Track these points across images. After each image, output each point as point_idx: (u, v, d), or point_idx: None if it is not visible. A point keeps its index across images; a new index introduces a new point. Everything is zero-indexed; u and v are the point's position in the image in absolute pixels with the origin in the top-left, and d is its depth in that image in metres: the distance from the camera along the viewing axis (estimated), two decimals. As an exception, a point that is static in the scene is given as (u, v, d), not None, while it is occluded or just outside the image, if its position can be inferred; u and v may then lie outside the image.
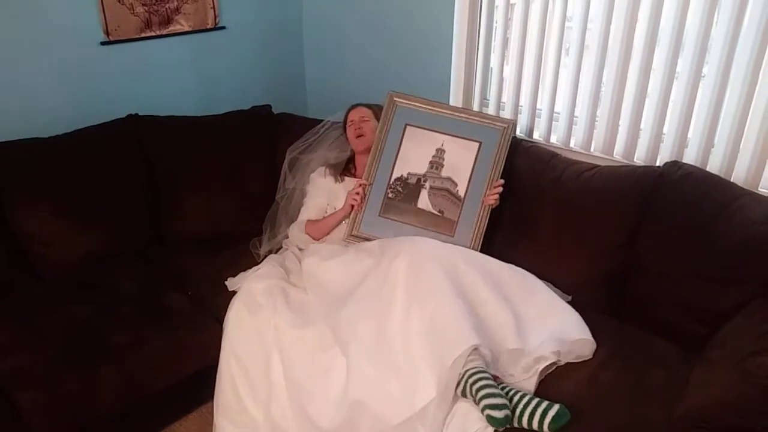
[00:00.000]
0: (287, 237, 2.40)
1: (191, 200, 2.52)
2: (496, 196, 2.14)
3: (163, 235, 2.52)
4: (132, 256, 2.38)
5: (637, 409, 1.62)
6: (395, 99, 2.28)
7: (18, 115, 2.38)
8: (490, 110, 2.61)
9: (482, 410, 1.54)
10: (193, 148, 2.56)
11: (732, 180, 2.01)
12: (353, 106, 2.43)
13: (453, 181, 2.20)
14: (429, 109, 2.26)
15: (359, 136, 2.33)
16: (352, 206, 2.22)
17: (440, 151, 2.23)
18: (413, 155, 2.24)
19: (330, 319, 1.90)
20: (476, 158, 2.19)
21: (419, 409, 1.62)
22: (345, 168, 2.43)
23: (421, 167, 2.23)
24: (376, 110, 2.37)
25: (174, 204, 2.51)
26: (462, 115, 2.25)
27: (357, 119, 2.36)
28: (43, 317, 1.98)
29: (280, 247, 2.41)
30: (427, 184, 2.22)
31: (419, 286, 1.80)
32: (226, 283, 2.20)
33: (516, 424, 1.57)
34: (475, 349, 1.65)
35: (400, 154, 2.25)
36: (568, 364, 1.77)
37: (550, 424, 1.53)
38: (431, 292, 1.78)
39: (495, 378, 1.65)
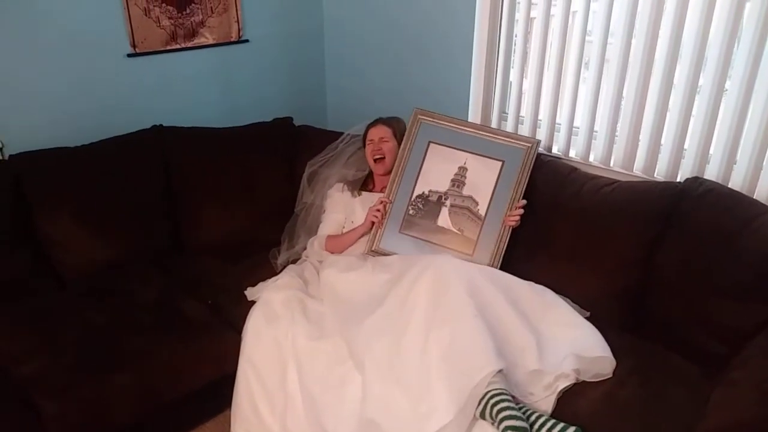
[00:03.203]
0: (305, 248, 2.41)
1: (211, 210, 2.55)
2: (518, 218, 2.12)
3: (182, 243, 2.56)
4: (152, 264, 2.41)
5: (654, 428, 1.60)
6: (420, 116, 2.29)
7: (45, 125, 2.44)
8: (509, 124, 2.61)
9: (503, 431, 1.53)
10: (215, 159, 2.60)
11: (754, 197, 1.99)
12: (373, 123, 2.42)
13: (474, 200, 2.20)
14: (453, 126, 2.27)
15: (378, 159, 2.33)
16: (373, 222, 2.23)
17: (462, 170, 2.23)
18: (435, 173, 2.24)
19: (345, 333, 1.91)
20: (498, 177, 2.19)
21: None
22: (363, 183, 2.44)
23: (442, 185, 2.23)
24: (396, 126, 2.38)
25: (194, 213, 2.55)
26: (486, 133, 2.25)
27: (376, 139, 2.35)
28: (62, 323, 2.02)
29: (298, 258, 2.43)
30: (447, 202, 2.22)
31: (441, 306, 1.79)
32: (246, 292, 2.22)
33: None
34: (499, 371, 1.64)
35: (422, 171, 2.26)
36: (585, 381, 1.75)
37: None
38: (452, 314, 1.77)
39: (513, 398, 1.64)
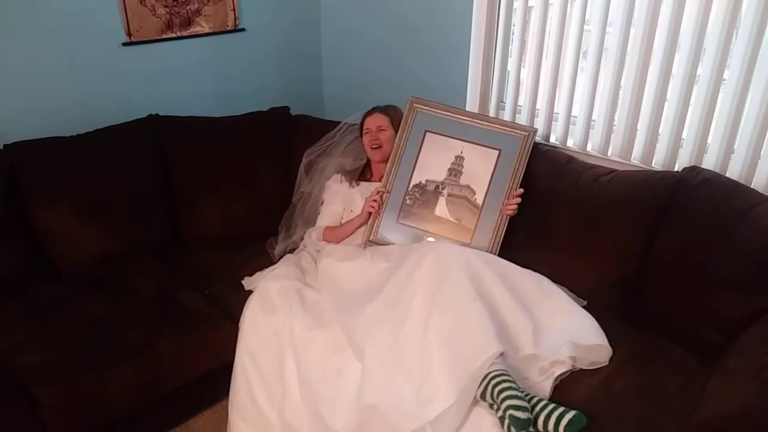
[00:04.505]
0: (303, 238, 2.41)
1: (209, 200, 2.54)
2: (515, 207, 2.13)
3: (180, 234, 2.55)
4: (149, 255, 2.41)
5: (651, 416, 1.61)
6: (415, 105, 2.28)
7: (40, 115, 2.42)
8: (507, 113, 2.60)
9: (505, 410, 1.54)
10: (212, 149, 2.58)
11: (752, 186, 1.99)
12: (370, 112, 2.41)
13: (471, 189, 2.20)
14: (449, 115, 2.26)
15: (375, 147, 2.33)
16: (370, 213, 2.23)
17: (459, 159, 2.22)
18: (432, 162, 2.24)
19: (343, 322, 1.91)
20: (495, 166, 2.18)
21: (433, 417, 1.61)
22: (361, 173, 2.43)
23: (439, 174, 2.23)
24: (393, 114, 2.37)
25: (191, 204, 2.54)
26: (482, 122, 2.24)
27: (374, 128, 2.35)
28: (60, 315, 2.01)
29: (295, 247, 2.43)
30: (445, 192, 2.21)
31: (441, 292, 1.79)
32: (243, 282, 2.23)
33: (531, 428, 1.56)
34: (500, 354, 1.65)
35: (419, 160, 2.25)
36: (582, 369, 1.76)
37: (566, 427, 1.53)
38: (453, 299, 1.77)
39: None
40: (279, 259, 2.32)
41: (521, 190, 2.15)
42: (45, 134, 2.30)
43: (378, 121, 2.35)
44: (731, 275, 1.81)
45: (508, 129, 2.21)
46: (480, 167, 2.20)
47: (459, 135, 2.23)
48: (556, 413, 1.56)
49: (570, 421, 1.54)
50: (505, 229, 2.15)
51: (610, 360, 1.78)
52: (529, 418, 1.53)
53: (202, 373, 2.05)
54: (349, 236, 2.30)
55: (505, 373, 1.61)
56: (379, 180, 2.34)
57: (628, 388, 1.70)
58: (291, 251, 2.41)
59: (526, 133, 2.19)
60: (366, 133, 2.37)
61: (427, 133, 2.26)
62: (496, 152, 2.19)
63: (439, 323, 1.74)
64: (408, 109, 2.28)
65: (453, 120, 2.25)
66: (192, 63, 2.85)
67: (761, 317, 1.73)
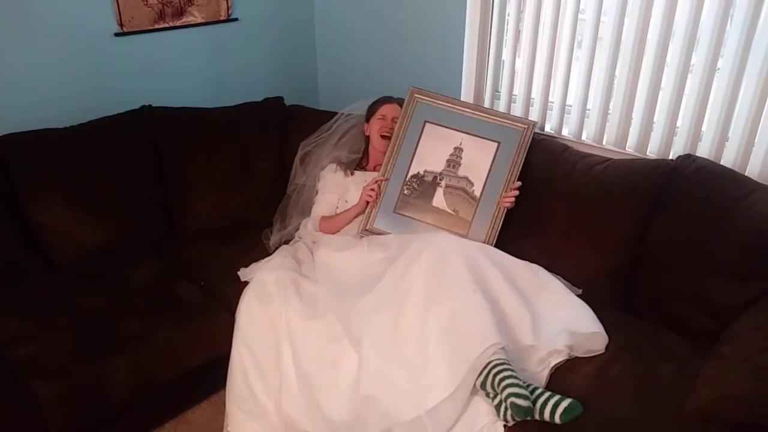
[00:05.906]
0: (298, 229, 2.41)
1: (203, 191, 2.53)
2: (513, 199, 2.13)
3: (175, 225, 2.54)
4: (144, 247, 2.39)
5: (645, 403, 1.62)
6: (416, 95, 2.27)
7: (32, 107, 2.40)
8: (502, 102, 2.60)
9: (506, 398, 1.55)
10: (206, 140, 2.57)
11: (746, 173, 2.00)
12: (389, 100, 2.38)
13: (469, 181, 2.20)
14: (449, 106, 2.25)
15: (386, 135, 2.31)
16: (367, 202, 2.22)
17: (458, 150, 2.22)
18: (431, 153, 2.23)
19: (340, 312, 1.91)
20: (494, 158, 2.18)
21: (430, 407, 1.62)
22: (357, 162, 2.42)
23: (438, 165, 2.23)
24: None
25: (186, 195, 2.53)
26: (482, 114, 2.24)
27: (390, 117, 2.33)
28: (56, 307, 2.00)
29: (291, 238, 2.42)
30: (443, 183, 2.21)
31: (440, 282, 1.80)
32: (239, 273, 2.22)
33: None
34: (502, 348, 1.66)
35: (417, 150, 2.24)
36: (578, 357, 1.77)
37: (562, 414, 1.55)
38: (451, 289, 1.78)
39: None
40: (274, 250, 2.32)
41: (519, 183, 2.15)
42: (37, 126, 2.28)
43: (396, 112, 2.33)
44: (726, 262, 1.82)
45: (508, 121, 2.21)
46: (478, 159, 2.19)
47: (458, 126, 2.22)
48: (552, 401, 1.57)
49: (566, 409, 1.55)
50: (502, 222, 2.15)
51: (606, 348, 1.80)
52: (529, 406, 1.54)
53: (198, 364, 2.05)
54: (346, 226, 2.29)
55: (506, 362, 1.62)
56: (374, 169, 2.34)
57: (624, 375, 1.71)
58: (286, 242, 2.40)
59: (526, 126, 2.19)
60: (380, 118, 2.34)
61: (427, 124, 2.25)
62: (495, 144, 2.19)
63: (438, 314, 1.74)
64: (408, 99, 2.27)
65: (453, 111, 2.24)
66: (185, 53, 2.83)
67: (754, 304, 1.74)
